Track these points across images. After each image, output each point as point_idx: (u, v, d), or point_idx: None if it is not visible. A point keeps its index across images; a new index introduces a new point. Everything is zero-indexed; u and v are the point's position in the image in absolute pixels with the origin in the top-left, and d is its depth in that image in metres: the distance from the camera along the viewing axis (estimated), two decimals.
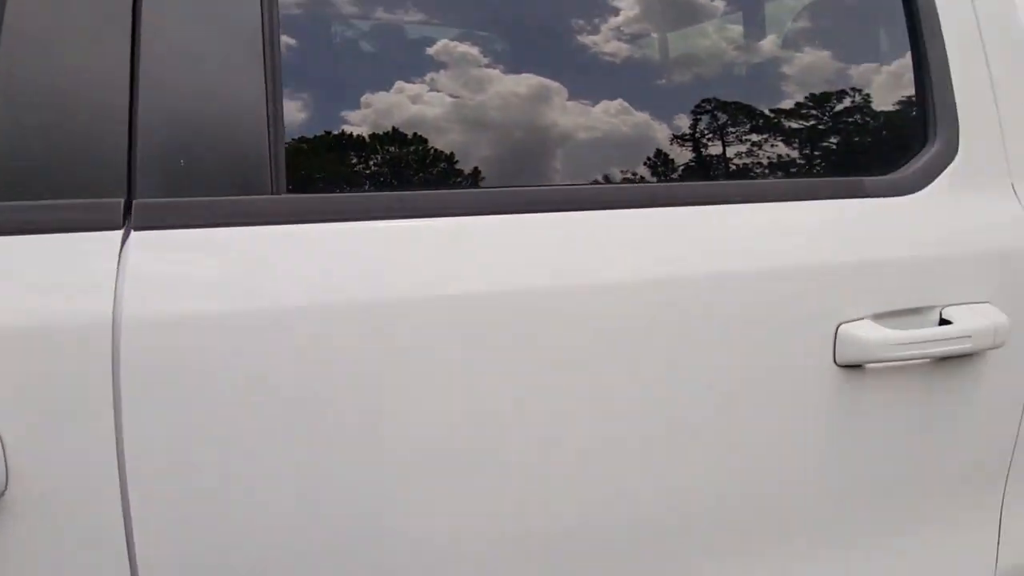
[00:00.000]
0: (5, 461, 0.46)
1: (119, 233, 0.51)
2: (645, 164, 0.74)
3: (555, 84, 0.70)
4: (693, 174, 0.76)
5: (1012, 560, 0.86)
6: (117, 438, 0.49)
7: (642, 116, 0.73)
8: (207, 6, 0.56)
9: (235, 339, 0.52)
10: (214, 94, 0.56)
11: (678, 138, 0.76)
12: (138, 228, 0.51)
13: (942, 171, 0.80)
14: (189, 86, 0.55)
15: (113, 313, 0.48)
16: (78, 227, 0.50)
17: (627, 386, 0.63)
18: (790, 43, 0.89)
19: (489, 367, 0.59)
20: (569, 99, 0.71)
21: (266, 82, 0.56)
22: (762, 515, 0.72)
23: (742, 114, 0.80)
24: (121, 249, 0.50)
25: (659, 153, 0.75)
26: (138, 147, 0.52)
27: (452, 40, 0.71)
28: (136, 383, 0.49)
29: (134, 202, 0.52)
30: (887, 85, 0.85)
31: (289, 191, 0.58)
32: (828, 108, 0.84)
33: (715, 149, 0.79)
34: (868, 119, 0.86)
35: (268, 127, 0.56)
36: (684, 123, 0.77)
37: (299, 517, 0.55)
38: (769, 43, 0.90)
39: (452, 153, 0.68)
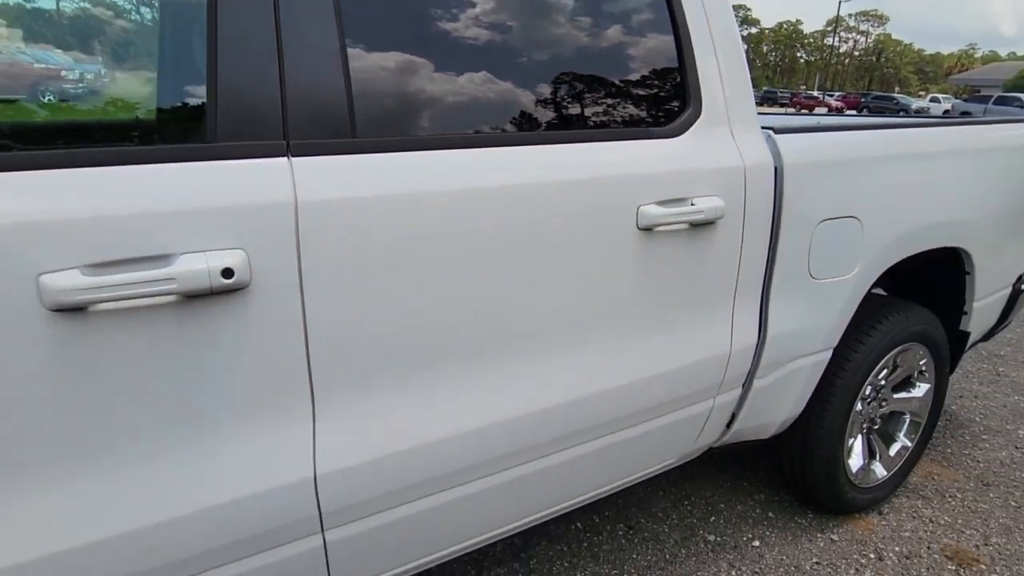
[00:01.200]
0: (250, 266, 0.91)
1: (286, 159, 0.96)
2: (513, 120, 1.25)
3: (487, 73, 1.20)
4: (547, 125, 1.29)
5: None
6: (299, 269, 0.96)
7: (508, 85, 1.23)
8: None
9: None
10: (323, 83, 1.00)
11: (540, 101, 1.27)
12: (295, 155, 0.97)
13: (693, 124, 1.42)
14: (309, 75, 0.99)
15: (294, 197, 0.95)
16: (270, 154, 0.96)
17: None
18: (595, 42, 1.41)
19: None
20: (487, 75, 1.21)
21: (345, 78, 1.02)
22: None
23: (575, 87, 1.34)
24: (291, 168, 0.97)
25: (523, 112, 1.26)
26: (288, 113, 0.97)
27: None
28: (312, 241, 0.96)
29: (291, 142, 0.97)
30: (662, 72, 1.44)
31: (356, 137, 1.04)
32: (626, 87, 1.41)
33: (561, 111, 1.33)
34: (652, 94, 1.45)
35: (348, 104, 1.02)
36: (542, 90, 1.29)
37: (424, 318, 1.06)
38: (574, 37, 1.42)
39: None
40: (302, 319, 0.98)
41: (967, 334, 2.26)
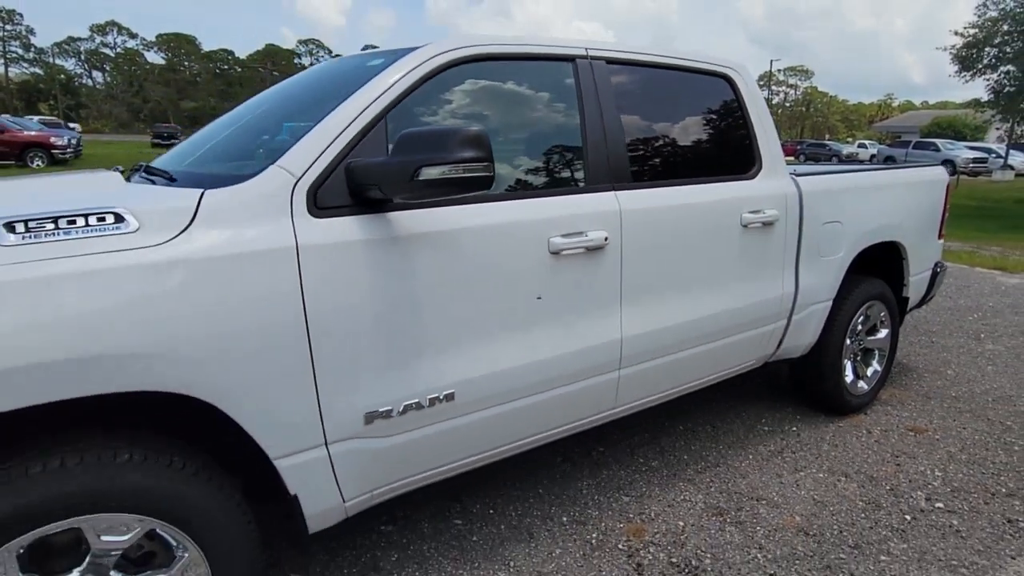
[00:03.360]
0: (607, 239, 2.10)
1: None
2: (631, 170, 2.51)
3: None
4: (696, 172, 2.54)
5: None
6: (621, 242, 2.15)
7: (690, 156, 2.49)
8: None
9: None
10: (621, 156, 2.22)
11: (693, 160, 2.53)
12: (615, 190, 2.18)
13: (760, 172, 2.70)
14: (618, 153, 2.20)
15: (619, 209, 2.15)
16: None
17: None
18: (716, 133, 2.70)
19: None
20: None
21: (628, 158, 2.25)
22: None
23: (709, 154, 2.61)
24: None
25: (688, 165, 2.52)
26: (611, 170, 2.18)
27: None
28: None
29: (613, 184, 2.18)
30: (743, 147, 2.71)
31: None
32: (728, 153, 2.68)
33: (704, 166, 2.58)
34: (740, 157, 2.71)
35: (629, 166, 2.25)
36: (695, 156, 2.55)
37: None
38: (687, 123, 2.70)
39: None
40: (619, 264, 2.16)
41: (907, 299, 3.58)
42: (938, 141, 30.71)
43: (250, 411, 1.48)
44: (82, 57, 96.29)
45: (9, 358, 1.20)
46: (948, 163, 28.08)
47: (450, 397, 1.81)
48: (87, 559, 1.37)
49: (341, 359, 1.60)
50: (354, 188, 1.62)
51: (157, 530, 1.43)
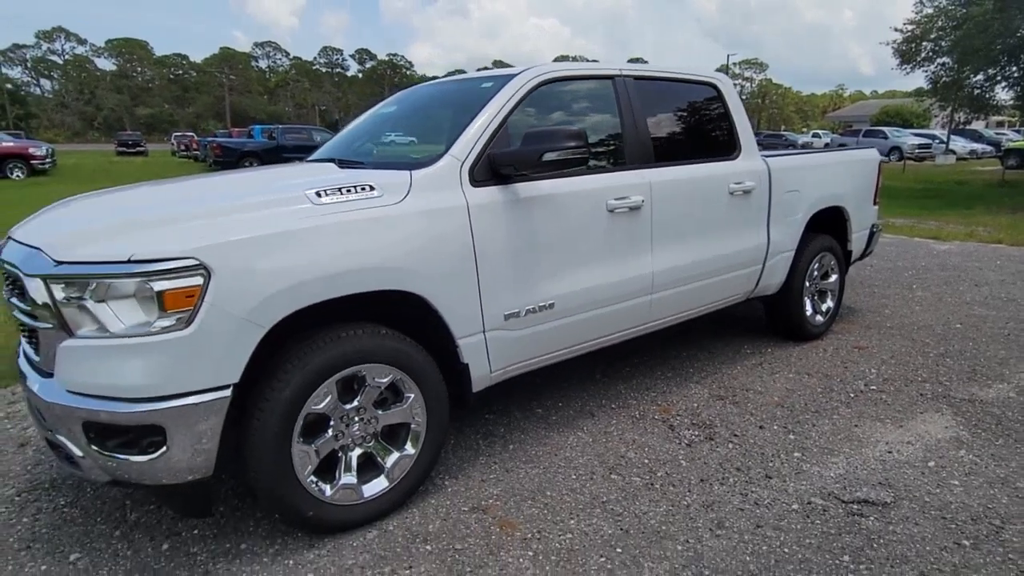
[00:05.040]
0: (642, 201, 3.06)
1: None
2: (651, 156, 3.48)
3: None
4: (693, 155, 3.51)
5: None
6: (651, 201, 3.11)
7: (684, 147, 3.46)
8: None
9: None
10: (645, 143, 3.17)
11: (689, 146, 3.51)
12: (644, 168, 3.14)
13: (739, 155, 3.70)
14: (642, 139, 3.15)
15: (649, 181, 3.11)
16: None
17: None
18: (707, 126, 3.69)
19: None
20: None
21: (649, 145, 3.20)
22: None
23: (702, 141, 3.59)
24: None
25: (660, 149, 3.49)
26: (640, 153, 3.14)
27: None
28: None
29: (643, 163, 3.14)
30: (728, 136, 3.70)
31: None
32: (717, 140, 3.67)
33: (700, 149, 3.56)
34: (724, 143, 3.70)
35: (653, 151, 3.21)
36: (689, 144, 3.53)
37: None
38: (700, 124, 3.68)
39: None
40: (651, 219, 3.12)
41: (851, 252, 4.64)
42: (886, 129, 32.65)
43: (445, 306, 2.40)
44: (28, 65, 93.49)
45: (332, 267, 2.09)
46: (895, 149, 30.13)
47: (552, 306, 2.74)
48: (364, 391, 2.27)
49: (492, 276, 2.52)
50: (494, 168, 2.54)
51: (396, 383, 2.33)
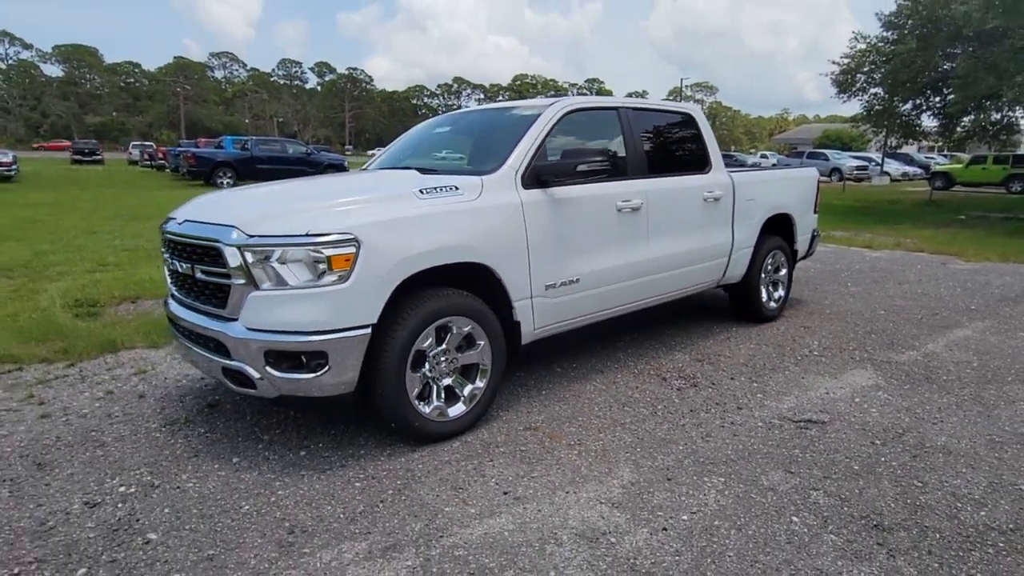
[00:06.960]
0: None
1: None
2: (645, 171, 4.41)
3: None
4: (672, 168, 4.45)
5: None
6: (647, 202, 4.01)
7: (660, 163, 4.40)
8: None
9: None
10: (640, 158, 4.08)
11: (666, 163, 4.44)
12: (642, 178, 4.05)
13: (711, 170, 4.66)
14: (639, 151, 4.06)
15: (646, 188, 4.02)
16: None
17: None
18: (682, 147, 4.64)
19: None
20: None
21: (639, 158, 4.12)
22: None
23: (675, 159, 4.53)
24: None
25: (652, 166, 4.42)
26: (638, 165, 4.05)
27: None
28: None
29: (638, 175, 4.05)
30: (700, 156, 4.65)
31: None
32: (691, 159, 4.62)
33: (676, 166, 4.49)
34: (697, 160, 4.65)
35: (641, 166, 4.12)
36: (667, 161, 4.46)
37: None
38: (675, 146, 4.63)
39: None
40: (647, 217, 4.03)
41: (796, 251, 5.67)
42: (827, 152, 35.04)
43: (506, 275, 3.23)
44: None
45: (433, 244, 2.91)
46: (836, 171, 32.37)
47: (576, 281, 3.60)
48: (449, 337, 3.07)
49: (537, 255, 3.36)
50: (538, 176, 3.40)
51: (471, 333, 3.13)
